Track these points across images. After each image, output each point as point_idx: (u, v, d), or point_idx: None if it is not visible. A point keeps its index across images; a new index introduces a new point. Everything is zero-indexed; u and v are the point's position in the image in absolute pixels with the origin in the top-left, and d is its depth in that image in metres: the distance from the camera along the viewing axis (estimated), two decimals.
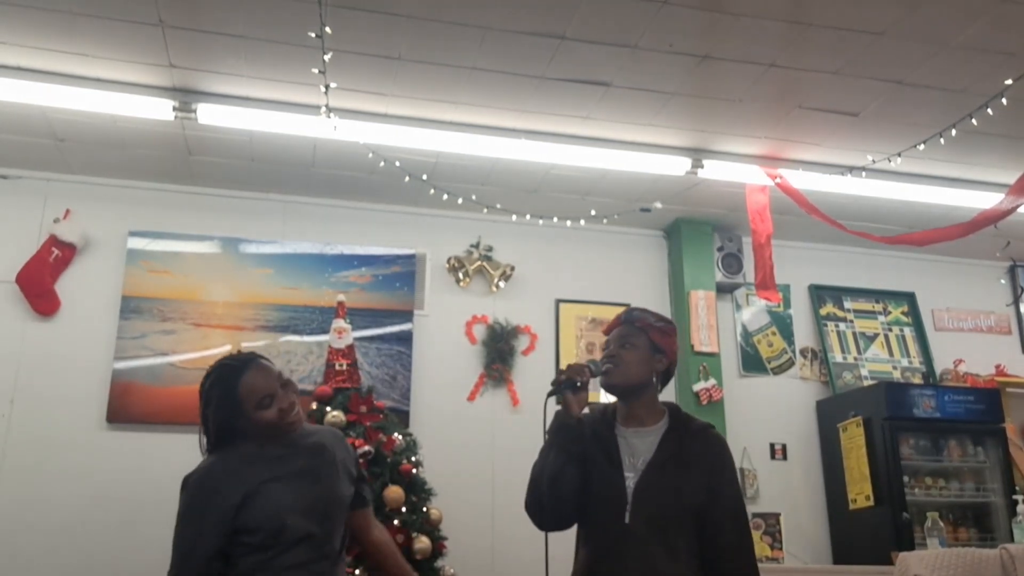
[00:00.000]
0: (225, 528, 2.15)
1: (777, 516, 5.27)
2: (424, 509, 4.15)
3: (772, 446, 5.63)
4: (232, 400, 2.25)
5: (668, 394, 5.44)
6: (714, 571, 2.15)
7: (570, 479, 2.22)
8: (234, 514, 2.15)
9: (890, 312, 6.20)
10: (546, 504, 2.22)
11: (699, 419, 2.35)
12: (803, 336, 5.96)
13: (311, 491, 2.24)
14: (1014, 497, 4.76)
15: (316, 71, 3.78)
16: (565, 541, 2.38)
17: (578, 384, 2.23)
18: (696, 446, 2.24)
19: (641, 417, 2.30)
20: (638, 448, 2.25)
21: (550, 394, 2.30)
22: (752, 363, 5.78)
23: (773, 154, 4.85)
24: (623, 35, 3.79)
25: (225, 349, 4.90)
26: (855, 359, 5.96)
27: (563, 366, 2.38)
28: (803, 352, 5.92)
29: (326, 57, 3.67)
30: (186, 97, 4.23)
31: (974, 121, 4.23)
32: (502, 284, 5.47)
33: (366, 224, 5.39)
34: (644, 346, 2.31)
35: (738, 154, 4.85)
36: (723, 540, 2.16)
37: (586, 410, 2.37)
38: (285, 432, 2.30)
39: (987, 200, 4.80)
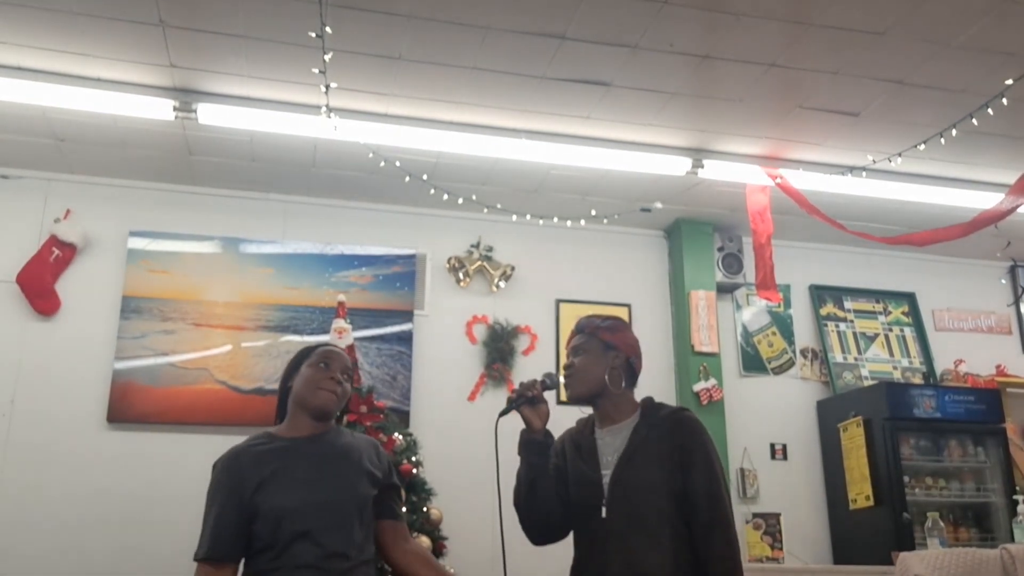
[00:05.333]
0: (244, 509, 2.16)
1: (777, 516, 5.28)
2: (424, 509, 4.15)
3: (772, 446, 5.63)
4: (297, 358, 2.40)
5: (669, 394, 5.46)
6: (697, 551, 2.15)
7: (542, 490, 2.27)
8: (250, 496, 2.17)
9: (890, 312, 6.20)
10: (526, 518, 2.31)
11: (670, 405, 2.36)
12: (803, 336, 5.96)
13: (320, 487, 2.21)
14: (1014, 497, 4.75)
15: (316, 71, 3.78)
16: (565, 543, 2.39)
17: (532, 398, 2.27)
18: (665, 431, 2.24)
19: (613, 416, 2.33)
20: (612, 445, 2.28)
21: (502, 413, 2.35)
22: (752, 363, 5.78)
23: (773, 154, 4.85)
24: (623, 35, 3.79)
25: (226, 349, 4.91)
26: (855, 359, 5.96)
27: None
28: (803, 352, 5.92)
29: (326, 57, 3.67)
30: (186, 97, 4.23)
31: (974, 121, 4.24)
32: (502, 284, 5.47)
33: (366, 224, 5.39)
34: (595, 348, 2.34)
35: (738, 154, 4.85)
36: (698, 520, 2.15)
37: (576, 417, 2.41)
38: (314, 410, 2.31)
39: (987, 200, 4.81)
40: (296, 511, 2.15)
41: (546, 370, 2.53)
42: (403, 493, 2.44)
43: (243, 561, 2.21)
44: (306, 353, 2.42)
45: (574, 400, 2.37)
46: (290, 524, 2.14)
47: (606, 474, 2.24)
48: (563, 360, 2.45)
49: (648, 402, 2.37)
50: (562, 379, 2.37)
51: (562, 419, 2.53)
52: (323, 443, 2.32)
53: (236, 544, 2.18)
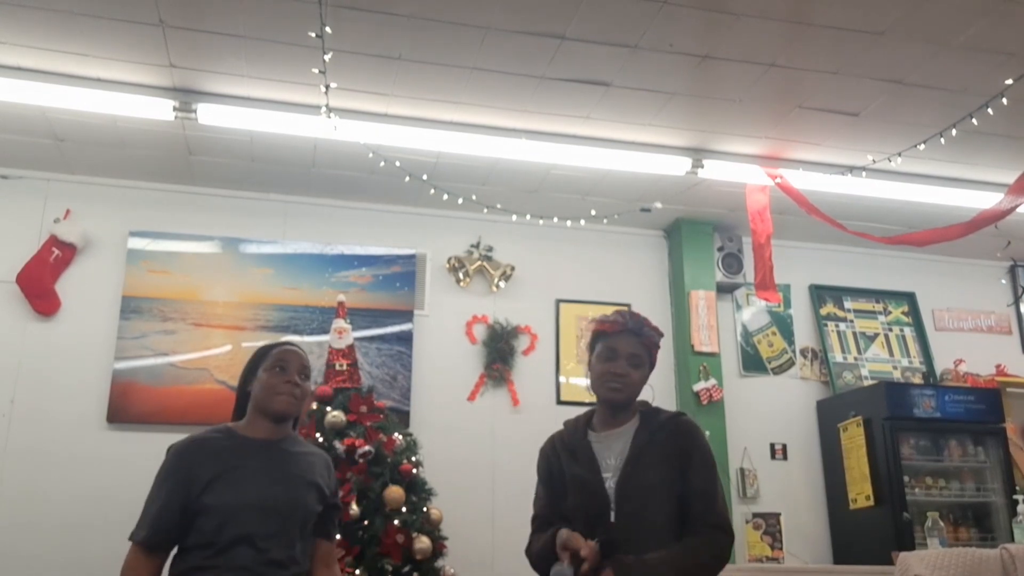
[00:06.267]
0: (190, 501, 2.17)
1: (777, 516, 5.28)
2: (424, 509, 4.15)
3: (772, 446, 5.63)
4: (254, 360, 2.41)
5: (669, 394, 5.46)
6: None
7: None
8: (199, 492, 2.17)
9: (890, 312, 6.20)
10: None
11: (668, 410, 2.38)
12: (803, 336, 5.96)
13: (269, 493, 2.21)
14: (1014, 497, 4.75)
15: (316, 71, 3.78)
16: None
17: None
18: (666, 435, 2.27)
19: (618, 420, 2.34)
20: (613, 448, 2.28)
21: None
22: (752, 363, 5.78)
23: (773, 154, 4.85)
24: (623, 35, 3.79)
25: (226, 349, 4.91)
26: (855, 359, 5.96)
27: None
28: (803, 352, 5.92)
29: (326, 57, 3.67)
30: (186, 97, 4.23)
31: (974, 121, 4.23)
32: (502, 284, 5.47)
33: (366, 224, 5.39)
34: (647, 363, 2.35)
35: (738, 154, 4.85)
36: (692, 519, 2.18)
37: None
38: (274, 415, 2.31)
39: (987, 200, 4.80)
40: (241, 513, 2.16)
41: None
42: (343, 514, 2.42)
43: (176, 551, 2.22)
44: (262, 356, 2.41)
45: (611, 404, 2.33)
46: (233, 525, 2.14)
47: (607, 477, 2.23)
48: (624, 347, 2.33)
49: (645, 406, 2.37)
50: (615, 385, 2.30)
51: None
52: (279, 450, 2.32)
53: (174, 536, 2.20)
